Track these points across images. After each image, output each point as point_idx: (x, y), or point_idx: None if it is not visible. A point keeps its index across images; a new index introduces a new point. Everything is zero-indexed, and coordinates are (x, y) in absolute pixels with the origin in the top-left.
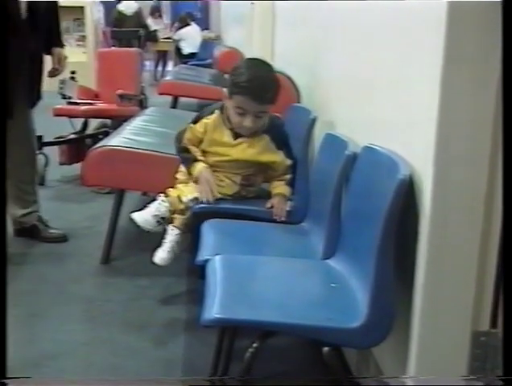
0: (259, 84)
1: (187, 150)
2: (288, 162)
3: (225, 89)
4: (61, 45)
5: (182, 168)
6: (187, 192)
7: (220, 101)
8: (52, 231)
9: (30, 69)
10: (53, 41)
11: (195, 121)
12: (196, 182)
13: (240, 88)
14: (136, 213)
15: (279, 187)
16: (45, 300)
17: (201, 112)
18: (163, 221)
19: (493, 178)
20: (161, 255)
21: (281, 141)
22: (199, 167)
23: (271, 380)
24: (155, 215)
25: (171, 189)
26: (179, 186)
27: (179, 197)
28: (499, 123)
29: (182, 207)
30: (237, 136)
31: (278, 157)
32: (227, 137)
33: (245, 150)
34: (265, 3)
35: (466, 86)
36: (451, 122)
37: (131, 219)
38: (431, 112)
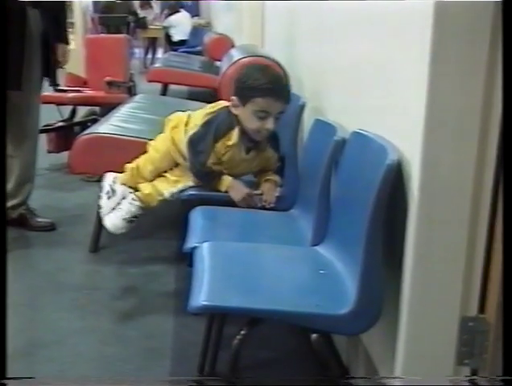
0: (281, 84)
1: (211, 172)
2: (279, 163)
3: (234, 98)
4: (66, 41)
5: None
6: (165, 187)
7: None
8: (40, 219)
9: (43, 50)
10: (58, 36)
11: (215, 139)
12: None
13: (262, 90)
14: (107, 217)
15: (269, 174)
16: (33, 289)
17: (219, 126)
18: (136, 219)
19: (481, 162)
20: (116, 222)
21: (277, 145)
22: (228, 182)
23: (260, 380)
24: (125, 219)
25: (140, 185)
26: (154, 182)
27: (159, 193)
28: (487, 108)
29: (159, 200)
30: (248, 150)
31: (273, 159)
32: (243, 152)
33: (253, 162)
34: None
35: (455, 71)
36: (439, 107)
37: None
38: (420, 97)
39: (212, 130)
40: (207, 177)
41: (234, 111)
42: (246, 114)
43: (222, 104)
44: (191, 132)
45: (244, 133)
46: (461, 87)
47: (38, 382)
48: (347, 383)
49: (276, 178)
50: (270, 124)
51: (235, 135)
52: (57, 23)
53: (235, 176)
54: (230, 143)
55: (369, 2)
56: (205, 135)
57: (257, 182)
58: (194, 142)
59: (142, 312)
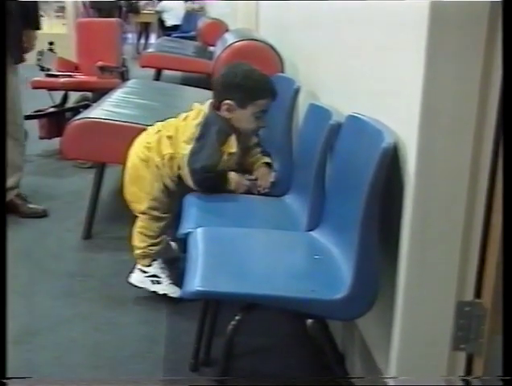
0: (273, 83)
1: (219, 174)
2: (257, 139)
3: (230, 102)
4: (34, 27)
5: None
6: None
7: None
8: (32, 206)
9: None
10: (26, 21)
11: (220, 145)
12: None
13: (264, 91)
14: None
15: (262, 158)
16: (25, 276)
17: (219, 133)
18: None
19: (478, 145)
20: (171, 289)
21: None
22: (232, 178)
23: (256, 380)
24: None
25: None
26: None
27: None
28: (485, 92)
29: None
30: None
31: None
32: (235, 149)
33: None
34: None
35: (452, 53)
36: (436, 90)
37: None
38: (417, 79)
39: (214, 137)
40: (216, 181)
41: (228, 115)
42: (246, 116)
43: (200, 109)
44: (187, 148)
45: (239, 136)
46: (458, 70)
47: (38, 382)
48: (349, 383)
49: (269, 160)
50: (263, 122)
51: (234, 142)
52: (26, 8)
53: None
54: (233, 151)
55: None
56: (207, 142)
57: (249, 166)
58: (196, 152)
59: (136, 299)
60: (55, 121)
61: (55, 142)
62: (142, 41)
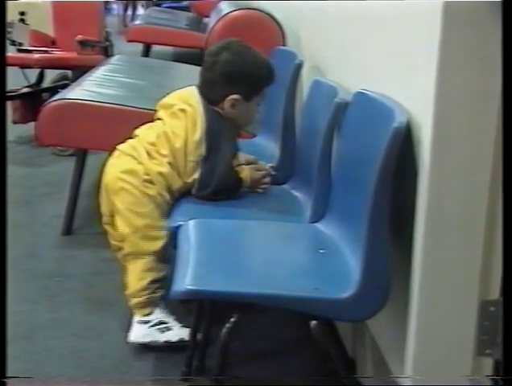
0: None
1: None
2: None
3: (237, 96)
4: None
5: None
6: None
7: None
8: None
9: None
10: None
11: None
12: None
13: (270, 77)
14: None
15: None
16: None
17: (232, 138)
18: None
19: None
20: (186, 332)
21: None
22: (244, 177)
23: (250, 380)
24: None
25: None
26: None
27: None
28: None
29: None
30: None
31: None
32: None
33: None
34: None
35: (469, 23)
36: (452, 64)
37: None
38: (431, 52)
39: (227, 151)
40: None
41: (232, 111)
42: (251, 110)
43: (184, 110)
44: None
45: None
46: (477, 41)
47: (37, 381)
48: (355, 382)
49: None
50: (259, 109)
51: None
52: None
53: None
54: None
55: None
56: (218, 159)
57: None
58: (205, 178)
59: (121, 300)
60: (31, 103)
61: (31, 127)
62: (129, 12)
